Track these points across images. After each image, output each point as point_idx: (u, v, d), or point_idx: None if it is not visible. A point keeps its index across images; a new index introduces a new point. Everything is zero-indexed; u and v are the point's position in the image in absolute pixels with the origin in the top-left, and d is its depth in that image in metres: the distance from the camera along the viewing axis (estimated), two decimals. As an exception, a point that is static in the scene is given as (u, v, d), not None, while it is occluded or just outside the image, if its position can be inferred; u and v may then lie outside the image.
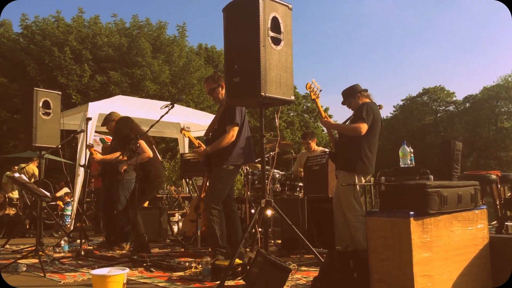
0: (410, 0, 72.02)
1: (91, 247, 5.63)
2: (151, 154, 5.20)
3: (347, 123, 4.42)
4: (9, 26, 19.47)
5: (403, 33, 75.47)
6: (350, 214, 4.08)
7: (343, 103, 4.47)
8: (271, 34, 3.51)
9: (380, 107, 4.37)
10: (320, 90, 4.32)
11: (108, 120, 5.74)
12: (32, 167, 9.59)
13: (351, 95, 4.37)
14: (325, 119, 4.39)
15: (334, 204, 4.39)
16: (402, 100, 48.26)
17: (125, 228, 5.49)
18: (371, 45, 76.71)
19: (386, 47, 75.73)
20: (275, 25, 3.56)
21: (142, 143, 5.10)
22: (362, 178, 4.16)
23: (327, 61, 77.68)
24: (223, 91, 4.47)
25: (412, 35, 75.43)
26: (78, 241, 5.37)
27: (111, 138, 7.75)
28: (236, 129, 4.28)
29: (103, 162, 5.70)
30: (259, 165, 6.28)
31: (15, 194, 10.27)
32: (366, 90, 4.39)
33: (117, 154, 5.39)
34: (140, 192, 4.99)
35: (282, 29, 3.60)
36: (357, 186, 3.99)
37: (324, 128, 31.27)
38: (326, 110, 34.95)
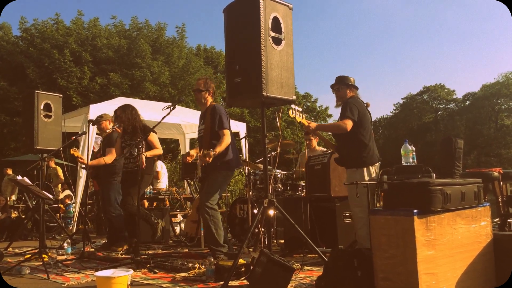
0: (410, -2, 71.91)
1: (93, 249, 5.64)
2: (161, 151, 5.26)
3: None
4: (8, 29, 19.43)
5: (404, 31, 75.45)
6: (357, 210, 4.11)
7: (332, 86, 4.53)
8: (272, 34, 3.53)
9: (367, 105, 4.45)
10: (301, 111, 4.30)
11: (100, 120, 5.83)
12: (56, 169, 9.42)
13: (344, 83, 4.45)
14: (309, 124, 4.27)
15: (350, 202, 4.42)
16: (403, 99, 48.25)
17: (123, 230, 5.50)
18: (371, 43, 76.69)
19: (386, 45, 75.73)
20: (276, 25, 3.57)
21: (155, 137, 5.23)
22: (371, 168, 4.21)
23: (327, 59, 77.61)
24: (209, 97, 4.58)
25: (413, 33, 75.42)
26: (81, 243, 5.38)
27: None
28: None
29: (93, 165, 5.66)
30: (261, 165, 6.29)
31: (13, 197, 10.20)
32: (357, 88, 4.49)
33: (101, 159, 5.39)
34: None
35: (283, 29, 3.61)
36: (365, 180, 4.01)
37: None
38: (326, 109, 35.02)
